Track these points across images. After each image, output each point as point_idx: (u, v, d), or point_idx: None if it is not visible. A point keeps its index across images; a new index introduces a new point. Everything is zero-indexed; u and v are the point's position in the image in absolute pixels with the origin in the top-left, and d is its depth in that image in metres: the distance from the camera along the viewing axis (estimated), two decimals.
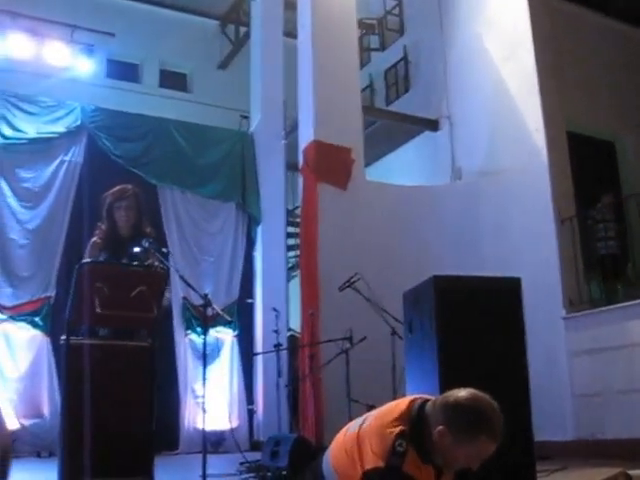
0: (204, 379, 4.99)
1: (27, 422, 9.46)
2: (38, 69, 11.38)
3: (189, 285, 5.32)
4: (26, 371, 9.75)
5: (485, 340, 4.70)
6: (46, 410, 9.56)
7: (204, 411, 5.01)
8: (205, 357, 4.96)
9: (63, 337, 4.51)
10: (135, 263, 4.91)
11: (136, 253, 4.98)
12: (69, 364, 4.32)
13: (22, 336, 9.91)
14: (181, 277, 4.88)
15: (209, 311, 5.00)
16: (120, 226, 5.12)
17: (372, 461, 2.64)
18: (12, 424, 9.28)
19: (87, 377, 4.24)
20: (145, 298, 4.52)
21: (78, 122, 10.76)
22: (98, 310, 4.36)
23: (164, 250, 4.97)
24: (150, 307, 4.56)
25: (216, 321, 10.79)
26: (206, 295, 4.80)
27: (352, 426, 2.91)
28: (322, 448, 7.40)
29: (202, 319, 4.98)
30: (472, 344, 4.68)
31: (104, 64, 13.44)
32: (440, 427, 2.58)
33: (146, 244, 4.90)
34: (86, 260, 4.69)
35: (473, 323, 4.76)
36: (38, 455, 8.75)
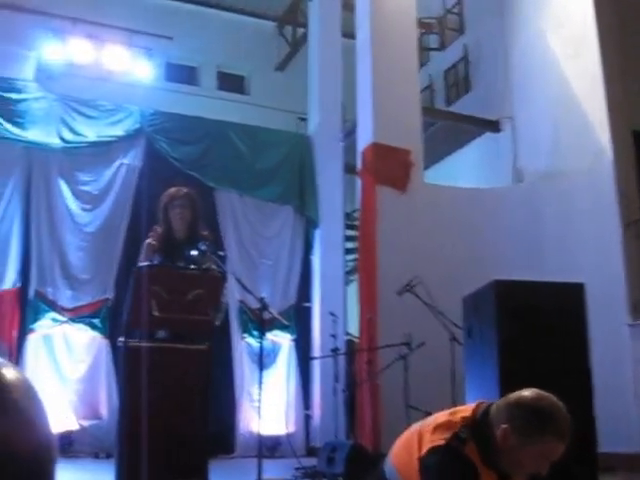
0: (260, 383, 5.02)
1: (86, 423, 9.67)
2: (98, 73, 11.63)
3: (246, 288, 5.37)
4: (85, 373, 9.97)
5: (547, 347, 4.65)
6: (104, 411, 9.74)
7: (259, 415, 5.01)
8: (262, 361, 4.98)
9: (121, 339, 4.60)
10: (192, 266, 4.96)
11: (193, 256, 5.04)
12: (127, 366, 4.40)
13: (81, 338, 10.13)
14: (238, 280, 4.92)
15: (265, 315, 5.04)
16: (175, 228, 5.17)
17: (430, 443, 2.54)
18: (70, 425, 9.52)
19: (144, 379, 4.30)
20: (202, 301, 4.58)
21: (137, 125, 10.95)
22: (156, 313, 4.42)
23: (221, 253, 5.01)
24: (207, 310, 4.61)
25: (273, 325, 10.86)
26: (262, 299, 4.83)
27: (413, 426, 2.84)
28: (380, 455, 7.40)
29: (259, 323, 4.97)
30: (534, 350, 4.62)
31: (163, 67, 13.66)
32: (503, 426, 2.46)
33: (203, 247, 4.94)
34: (144, 263, 4.76)
35: (535, 329, 4.70)
36: (96, 456, 8.93)
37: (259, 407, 4.97)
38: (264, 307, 4.79)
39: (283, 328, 11.06)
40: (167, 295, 4.47)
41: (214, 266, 4.90)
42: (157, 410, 4.24)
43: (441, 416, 2.69)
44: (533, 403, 2.47)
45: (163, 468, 4.25)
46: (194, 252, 5.04)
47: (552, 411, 2.43)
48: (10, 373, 0.89)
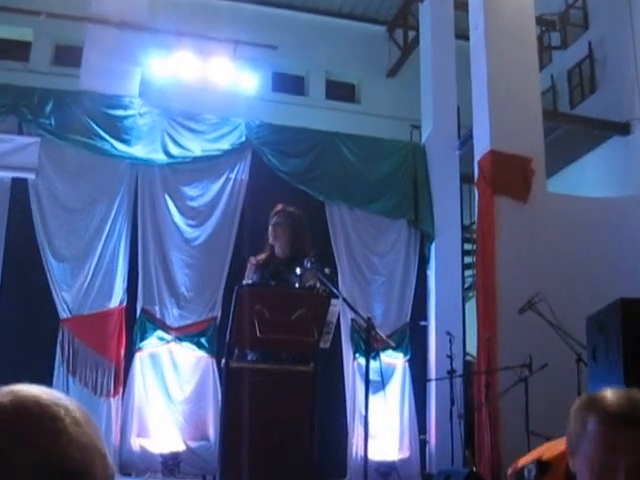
0: (366, 406, 5.05)
1: (193, 444, 9.90)
2: (203, 86, 11.96)
3: (352, 308, 5.44)
4: (192, 393, 10.21)
5: None
6: (212, 432, 9.94)
7: (365, 438, 5.05)
8: (368, 382, 5.02)
9: (223, 360, 4.73)
10: (296, 285, 5.06)
11: (297, 274, 5.14)
12: (228, 387, 4.52)
13: (188, 357, 10.38)
14: (344, 300, 4.98)
15: (374, 335, 5.06)
16: (275, 245, 5.28)
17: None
18: (177, 446, 9.81)
19: (246, 401, 4.41)
20: (306, 321, 4.65)
21: (243, 138, 11.17)
22: (258, 334, 4.52)
23: (327, 270, 5.07)
24: (311, 330, 4.69)
25: (387, 345, 10.88)
26: (369, 318, 4.87)
27: None
28: None
29: (365, 343, 5.03)
30: None
31: (269, 78, 13.92)
32: None
33: (307, 264, 5.03)
34: (246, 282, 4.90)
35: None
36: (203, 478, 9.15)
37: (367, 431, 4.95)
38: (371, 327, 4.83)
39: (397, 348, 11.06)
40: (269, 315, 4.56)
41: (319, 284, 4.97)
42: (259, 433, 4.34)
43: None
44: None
45: None
46: (298, 270, 5.14)
47: (604, 394, 1.95)
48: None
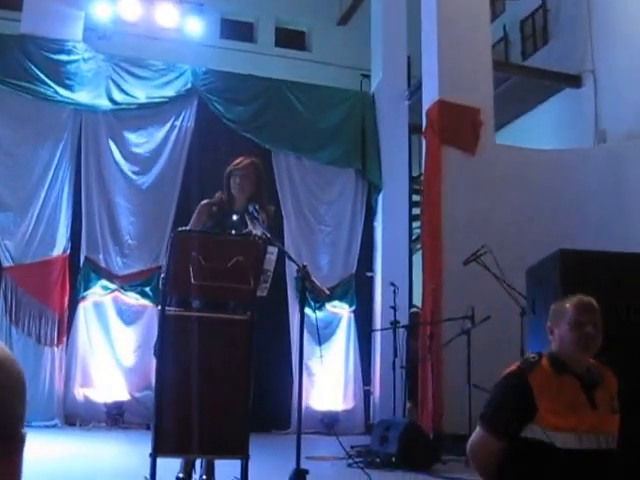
0: (301, 354, 4.98)
1: (137, 394, 9.88)
2: (148, 32, 11.66)
3: (288, 256, 5.34)
4: (136, 342, 10.16)
5: (621, 326, 4.37)
6: None
7: (300, 387, 4.98)
8: (302, 332, 4.94)
9: (158, 307, 4.60)
10: (232, 232, 4.93)
11: (235, 221, 5.01)
12: (163, 335, 4.40)
13: (132, 306, 10.31)
14: (280, 248, 4.84)
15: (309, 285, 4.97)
16: (235, 197, 5.14)
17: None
18: (121, 395, 9.75)
19: (179, 350, 4.30)
20: (242, 269, 4.52)
21: (188, 85, 10.96)
22: (192, 281, 4.39)
23: (260, 216, 4.92)
24: (247, 278, 4.55)
25: (333, 295, 10.84)
26: (304, 267, 4.76)
27: None
28: (438, 435, 7.31)
29: (300, 293, 4.93)
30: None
31: (217, 24, 13.59)
32: (548, 327, 3.22)
33: (250, 209, 4.90)
34: (180, 229, 4.75)
35: (606, 305, 4.46)
36: (147, 427, 9.05)
37: (301, 380, 4.89)
38: (305, 276, 4.73)
39: (342, 299, 11.03)
40: (205, 262, 4.42)
41: (255, 231, 4.84)
42: (194, 382, 4.24)
43: None
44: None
45: (200, 442, 4.24)
46: (235, 217, 5.01)
47: (573, 297, 3.21)
48: None
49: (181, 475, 4.64)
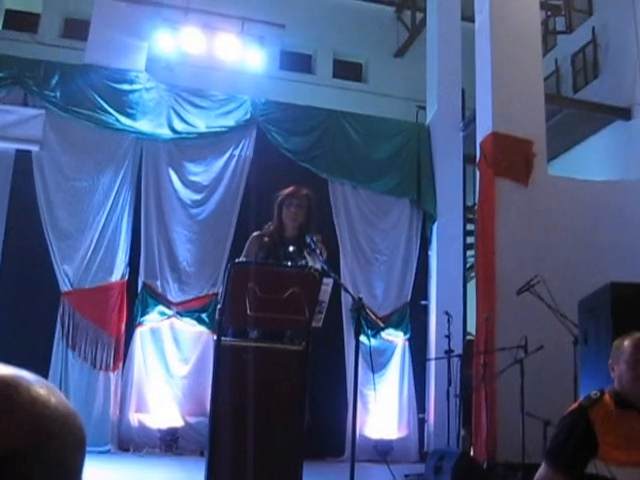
0: (355, 382, 5.01)
1: (191, 420, 9.91)
2: (210, 63, 11.88)
3: (343, 287, 5.38)
4: (191, 368, 10.19)
5: None
6: None
7: (354, 414, 5.01)
8: (357, 361, 4.96)
9: (215, 337, 4.68)
10: (289, 263, 5.00)
11: (293, 252, 5.09)
12: (218, 365, 4.47)
13: (188, 333, 10.37)
14: (336, 280, 4.90)
15: (369, 315, 5.03)
16: (286, 225, 5.22)
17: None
18: (175, 421, 9.80)
19: (235, 380, 4.37)
20: (297, 300, 4.59)
21: (248, 115, 11.10)
22: (249, 312, 4.47)
23: (316, 250, 4.98)
24: (302, 310, 4.62)
25: (388, 324, 10.82)
26: (360, 299, 4.80)
27: None
28: (492, 465, 7.25)
29: (356, 323, 4.97)
30: None
31: (276, 56, 13.80)
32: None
33: (308, 240, 4.97)
34: (239, 260, 4.84)
35: None
36: (201, 454, 9.10)
37: (355, 407, 4.91)
38: (360, 307, 4.77)
39: (397, 327, 11.00)
40: (261, 293, 4.50)
41: (315, 264, 4.90)
42: (248, 413, 4.29)
43: None
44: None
45: (254, 471, 4.30)
46: (292, 248, 5.09)
47: (631, 334, 3.28)
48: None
49: None
